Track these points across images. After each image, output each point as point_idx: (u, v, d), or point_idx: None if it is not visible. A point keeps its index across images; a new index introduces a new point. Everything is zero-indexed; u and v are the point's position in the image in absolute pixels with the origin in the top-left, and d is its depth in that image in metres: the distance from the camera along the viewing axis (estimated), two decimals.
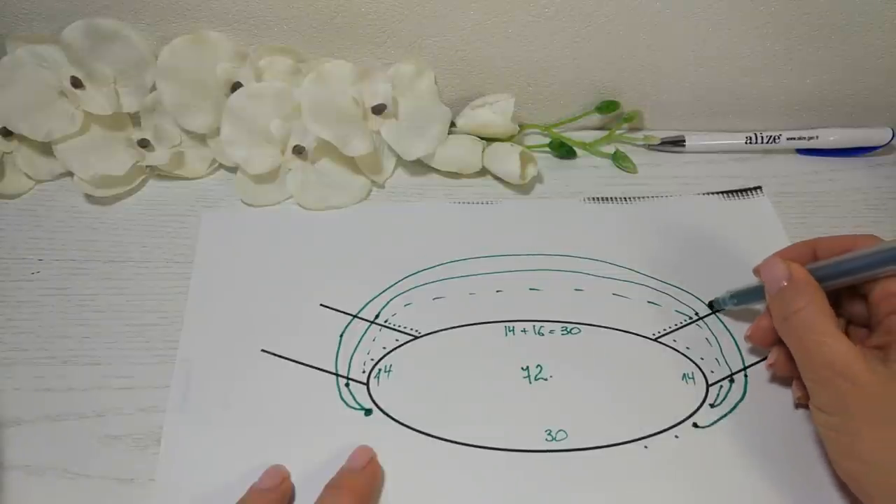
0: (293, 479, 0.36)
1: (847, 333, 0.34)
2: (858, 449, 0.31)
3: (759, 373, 0.41)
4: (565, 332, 0.43)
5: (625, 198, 0.51)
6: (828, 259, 0.37)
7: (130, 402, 0.39)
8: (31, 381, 0.40)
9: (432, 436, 0.38)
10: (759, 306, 0.41)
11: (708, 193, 0.51)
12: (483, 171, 0.52)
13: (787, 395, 0.40)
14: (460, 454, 0.38)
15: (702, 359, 0.42)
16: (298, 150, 0.49)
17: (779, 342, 0.37)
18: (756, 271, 0.39)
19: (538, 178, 0.52)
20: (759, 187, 0.52)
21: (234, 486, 0.35)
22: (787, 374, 0.39)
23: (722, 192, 0.51)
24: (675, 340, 0.43)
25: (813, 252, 0.38)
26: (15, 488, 0.36)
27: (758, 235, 0.49)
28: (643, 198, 0.51)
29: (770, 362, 0.39)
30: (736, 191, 0.51)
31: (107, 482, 0.36)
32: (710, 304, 0.44)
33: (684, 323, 0.44)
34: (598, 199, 0.51)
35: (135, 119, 0.51)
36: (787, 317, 0.34)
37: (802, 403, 0.38)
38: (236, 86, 0.49)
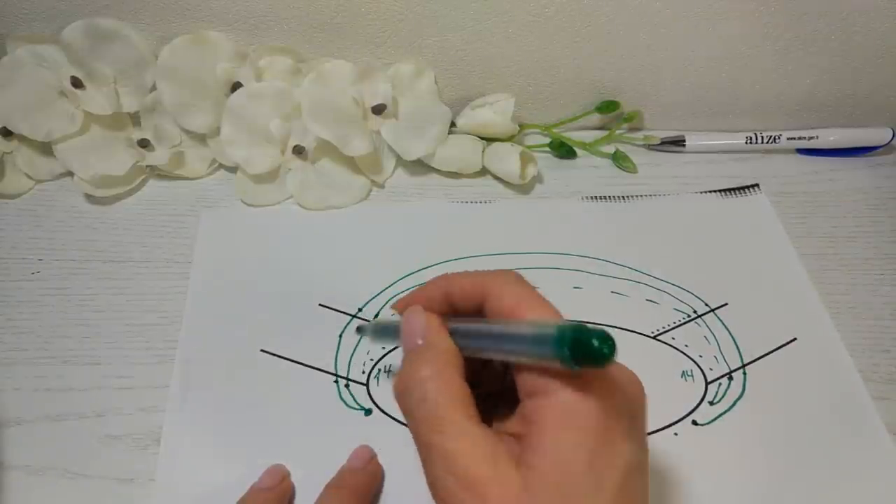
0: (293, 478, 0.36)
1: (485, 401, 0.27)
2: None
3: (758, 370, 0.41)
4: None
5: (623, 196, 0.51)
6: (473, 321, 0.28)
7: (130, 402, 0.39)
8: (31, 381, 0.40)
9: None
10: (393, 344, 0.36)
11: (706, 192, 0.51)
12: (483, 171, 0.52)
13: (785, 393, 0.40)
14: None
15: (700, 356, 0.42)
16: (298, 150, 0.49)
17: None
18: (394, 308, 0.32)
19: (538, 178, 0.52)
20: (757, 185, 0.52)
21: (234, 485, 0.35)
22: None
23: (720, 191, 0.51)
24: (673, 338, 0.43)
25: (446, 297, 0.29)
26: (15, 488, 0.36)
27: (756, 233, 0.49)
28: (641, 196, 0.51)
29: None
30: (734, 189, 0.52)
31: (107, 482, 0.36)
32: (357, 329, 0.37)
33: (683, 321, 0.44)
34: (596, 197, 0.51)
35: (135, 119, 0.51)
36: (408, 388, 0.27)
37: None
38: (236, 86, 0.49)
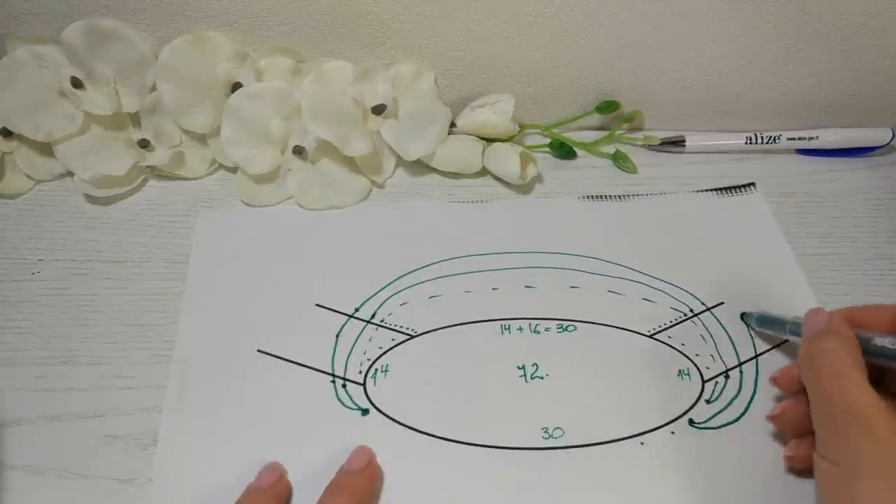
0: (290, 478, 0.36)
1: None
2: (852, 501, 0.29)
3: (754, 369, 0.41)
4: (561, 329, 0.43)
5: (619, 195, 0.51)
6: (878, 332, 0.33)
7: (130, 402, 0.39)
8: (31, 381, 0.40)
9: (429, 435, 0.38)
10: (776, 335, 0.42)
11: (702, 191, 0.51)
12: (483, 172, 0.52)
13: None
14: (457, 453, 0.38)
15: (697, 355, 0.42)
16: (298, 150, 0.49)
17: (795, 394, 0.36)
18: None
19: (538, 179, 0.52)
20: (753, 184, 0.52)
21: (232, 486, 0.35)
22: (789, 429, 0.37)
23: (716, 190, 0.51)
24: (670, 337, 0.43)
25: (854, 318, 0.36)
26: (15, 488, 0.36)
27: (752, 232, 0.49)
28: (638, 195, 0.51)
29: (775, 413, 0.37)
30: (730, 188, 0.52)
31: (107, 482, 0.36)
32: (741, 316, 0.44)
33: (679, 320, 0.44)
34: (592, 196, 0.51)
35: (135, 119, 0.51)
36: (814, 356, 0.33)
37: (794, 464, 0.36)
38: (236, 86, 0.49)
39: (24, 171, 0.50)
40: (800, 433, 0.35)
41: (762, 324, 0.42)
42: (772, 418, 0.37)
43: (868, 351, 0.32)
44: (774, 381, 0.37)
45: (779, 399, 0.40)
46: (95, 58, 0.47)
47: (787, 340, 0.42)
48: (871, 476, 0.28)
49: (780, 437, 0.38)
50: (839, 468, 0.30)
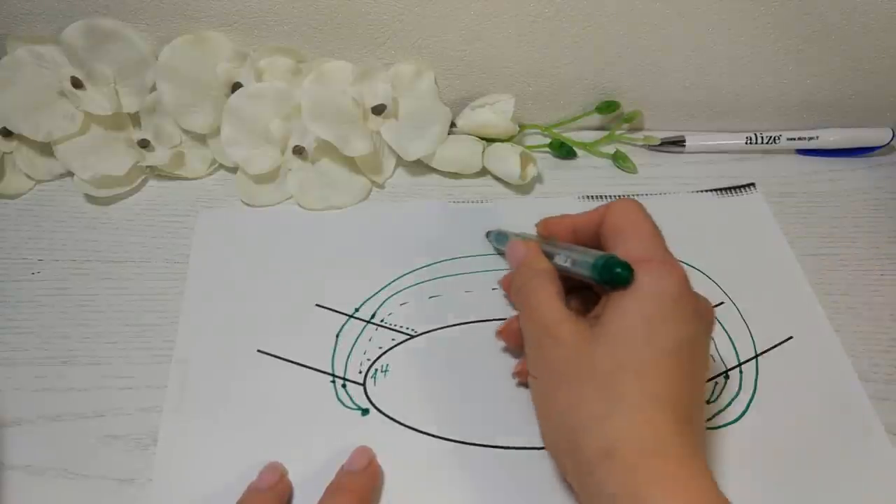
0: (290, 479, 0.36)
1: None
2: (553, 408, 0.32)
3: (754, 369, 0.41)
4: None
5: (619, 196, 0.51)
6: (562, 245, 0.37)
7: (130, 402, 0.39)
8: (31, 381, 0.40)
9: (429, 434, 0.38)
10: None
11: (702, 191, 0.51)
12: (483, 172, 0.52)
13: (782, 391, 0.40)
14: (457, 452, 0.38)
15: None
16: (298, 150, 0.49)
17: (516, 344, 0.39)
18: (537, 226, 0.41)
19: (538, 179, 0.52)
20: (753, 184, 0.52)
21: (232, 486, 0.35)
22: (515, 343, 0.40)
23: (716, 190, 0.51)
24: None
25: (572, 229, 0.39)
26: (15, 488, 0.36)
27: (752, 232, 0.49)
28: (638, 195, 0.51)
29: (501, 328, 0.40)
30: (730, 188, 0.52)
31: (107, 482, 0.36)
32: (486, 234, 0.47)
33: None
34: (592, 196, 0.51)
35: (135, 119, 0.51)
36: (518, 287, 0.36)
37: (520, 379, 0.40)
38: (236, 86, 0.49)
39: (24, 171, 0.50)
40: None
41: (499, 240, 0.46)
42: (499, 332, 0.40)
43: (555, 267, 0.36)
44: (499, 334, 0.40)
45: (779, 399, 0.40)
46: (95, 58, 0.47)
47: (790, 338, 0.43)
48: (558, 379, 0.32)
49: (781, 436, 0.38)
50: (540, 381, 0.33)
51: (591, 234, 0.37)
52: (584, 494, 0.31)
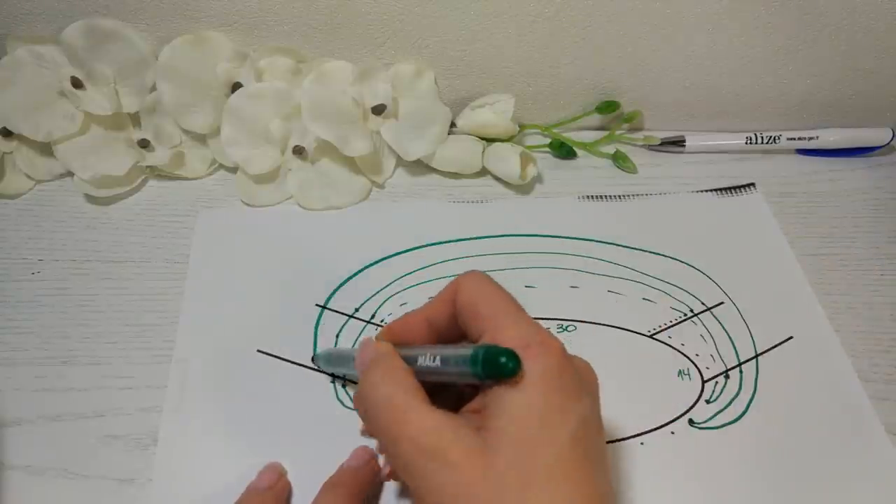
0: (290, 478, 0.36)
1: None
2: None
3: (755, 369, 0.41)
4: (561, 329, 0.43)
5: (619, 196, 0.51)
6: (420, 348, 0.31)
7: (130, 402, 0.39)
8: (31, 381, 0.40)
9: None
10: (347, 371, 0.39)
11: (702, 191, 0.51)
12: (483, 172, 0.52)
13: (782, 391, 0.40)
14: None
15: (697, 355, 0.42)
16: (298, 150, 0.49)
17: None
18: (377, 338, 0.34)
19: (538, 179, 0.52)
20: (753, 184, 0.52)
21: (232, 485, 0.35)
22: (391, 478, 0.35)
23: (716, 190, 0.52)
24: (670, 337, 0.43)
25: (427, 321, 0.32)
26: (15, 488, 0.36)
27: (752, 232, 0.49)
28: (638, 195, 0.51)
29: (361, 429, 0.35)
30: (730, 188, 0.52)
31: (107, 482, 0.36)
32: (312, 359, 0.41)
33: (679, 320, 0.44)
34: (592, 196, 0.51)
35: (135, 119, 0.51)
36: (365, 396, 0.29)
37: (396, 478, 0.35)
38: (236, 86, 0.49)
39: (24, 171, 0.50)
40: None
41: (328, 362, 0.39)
42: (362, 433, 0.35)
43: (417, 372, 0.29)
44: (363, 433, 0.35)
45: (779, 399, 0.40)
46: (95, 58, 0.47)
47: (790, 338, 0.43)
48: None
49: (781, 436, 0.38)
50: None
51: (448, 325, 0.32)
52: None
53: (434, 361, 0.29)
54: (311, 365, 0.41)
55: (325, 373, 0.40)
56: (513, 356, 0.26)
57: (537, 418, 0.26)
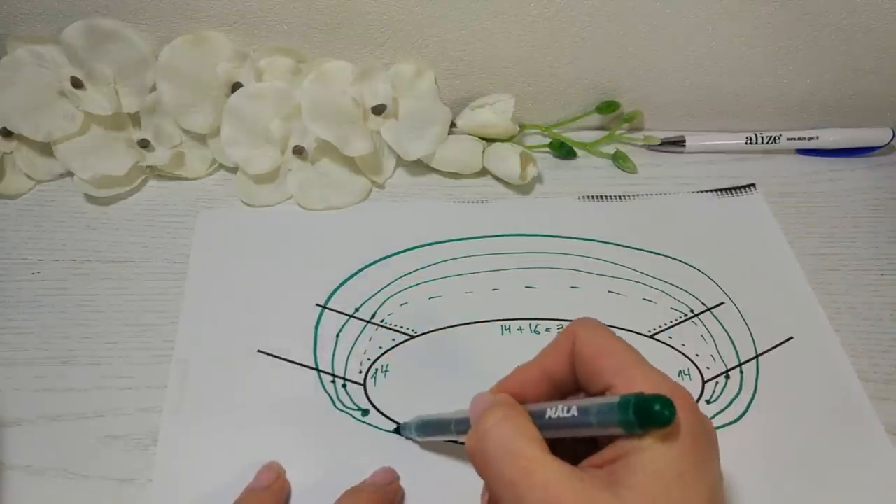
0: (289, 478, 0.36)
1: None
2: None
3: (755, 369, 0.41)
4: (561, 330, 0.43)
5: (619, 196, 0.51)
6: (547, 403, 0.28)
7: (130, 402, 0.39)
8: (31, 381, 0.40)
9: None
10: (444, 439, 0.36)
11: (702, 191, 0.51)
12: (483, 172, 0.52)
13: (782, 391, 0.40)
14: (457, 452, 0.38)
15: (697, 355, 0.42)
16: (298, 150, 0.49)
17: None
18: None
19: (538, 179, 0.52)
20: (753, 184, 0.52)
21: (232, 485, 0.35)
22: None
23: (716, 190, 0.52)
24: (670, 337, 0.43)
25: (544, 373, 0.30)
26: (15, 488, 0.36)
27: (752, 232, 0.49)
28: (638, 196, 0.51)
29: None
30: (730, 188, 0.52)
31: (107, 482, 0.36)
32: (397, 429, 0.38)
33: (679, 320, 0.44)
34: (592, 196, 0.51)
35: (135, 119, 0.51)
36: (481, 443, 0.27)
37: None
38: (236, 86, 0.49)
39: (24, 171, 0.50)
40: None
41: (423, 431, 0.36)
42: None
43: (544, 426, 0.27)
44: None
45: (779, 399, 0.40)
46: (95, 58, 0.47)
47: (790, 339, 0.43)
48: None
49: (781, 436, 0.38)
50: None
51: (565, 375, 0.30)
52: None
53: (568, 413, 0.26)
54: (312, 365, 0.41)
55: (325, 371, 0.40)
56: (668, 404, 0.24)
57: (676, 477, 0.24)
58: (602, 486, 0.24)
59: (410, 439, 0.38)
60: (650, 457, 0.24)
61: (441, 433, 0.35)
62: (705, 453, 0.26)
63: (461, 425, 0.31)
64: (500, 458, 0.26)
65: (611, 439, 0.26)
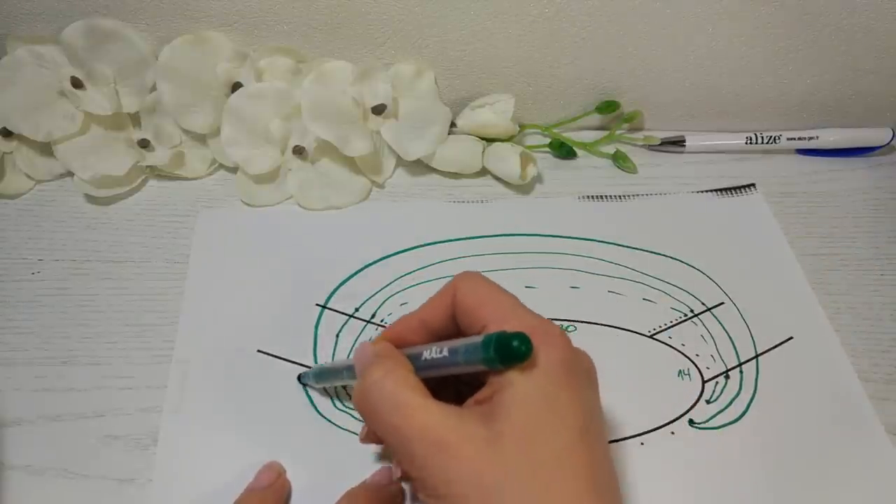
0: (289, 477, 0.36)
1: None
2: None
3: (755, 369, 0.41)
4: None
5: (619, 196, 0.51)
6: (422, 346, 0.30)
7: (130, 402, 0.39)
8: (31, 381, 0.40)
9: None
10: (337, 384, 0.39)
11: (702, 191, 0.51)
12: (483, 172, 0.52)
13: (782, 391, 0.40)
14: None
15: (697, 355, 0.42)
16: (298, 150, 0.49)
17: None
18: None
19: (538, 179, 0.52)
20: (753, 184, 0.52)
21: (232, 485, 0.35)
22: (396, 476, 0.34)
23: (716, 190, 0.52)
24: (670, 337, 0.43)
25: (422, 323, 0.32)
26: (15, 488, 0.36)
27: (752, 232, 0.49)
28: (638, 196, 0.51)
29: (361, 436, 0.35)
30: (730, 188, 0.52)
31: (107, 482, 0.36)
32: (298, 378, 0.40)
33: (679, 320, 0.44)
34: (592, 196, 0.51)
35: (135, 119, 0.51)
36: (368, 391, 0.29)
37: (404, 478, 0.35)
38: (236, 86, 0.49)
39: (24, 171, 0.50)
40: None
41: (320, 378, 0.39)
42: (362, 440, 0.35)
43: (420, 367, 0.29)
44: (363, 440, 0.35)
45: (779, 399, 0.40)
46: (95, 58, 0.47)
47: (790, 339, 0.43)
48: (469, 496, 0.26)
49: (781, 436, 0.38)
50: (443, 501, 0.26)
51: (443, 325, 0.32)
52: None
53: (441, 353, 0.29)
54: (311, 365, 0.41)
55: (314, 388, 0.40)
56: (525, 340, 0.26)
57: (546, 405, 0.26)
58: (479, 422, 0.27)
59: (309, 386, 0.40)
60: (519, 389, 0.26)
61: (335, 379, 0.37)
62: (577, 384, 0.27)
63: (351, 371, 0.33)
64: (384, 410, 0.28)
65: (488, 377, 0.28)
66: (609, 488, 0.27)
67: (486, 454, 0.26)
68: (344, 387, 0.40)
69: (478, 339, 0.27)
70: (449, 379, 0.30)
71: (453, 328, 0.31)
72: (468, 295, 0.30)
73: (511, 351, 0.26)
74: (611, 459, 0.28)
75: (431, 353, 0.29)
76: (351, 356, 0.33)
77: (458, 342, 0.28)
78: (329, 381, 0.38)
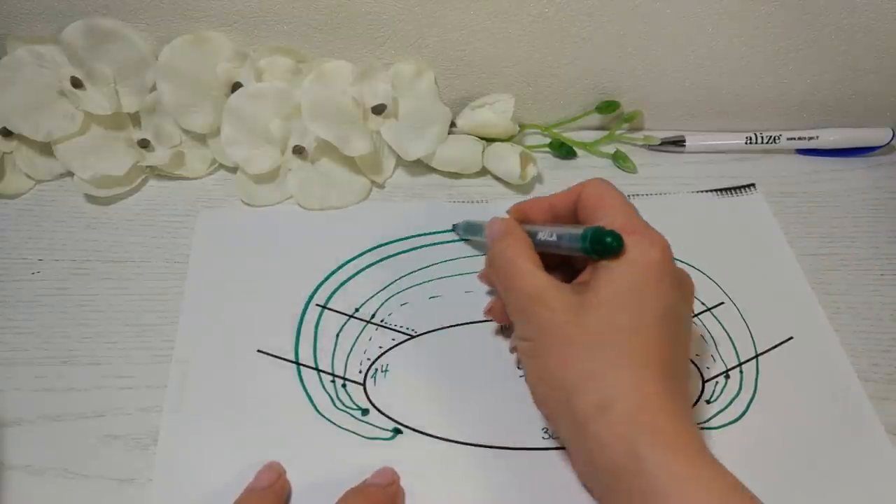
0: (289, 478, 0.36)
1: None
2: (546, 369, 0.33)
3: (755, 369, 0.41)
4: None
5: None
6: (540, 227, 0.37)
7: (130, 402, 0.39)
8: (31, 381, 0.40)
9: (429, 435, 0.38)
10: (478, 238, 0.46)
11: (702, 191, 0.51)
12: (483, 172, 0.52)
13: (782, 391, 0.40)
14: (457, 452, 0.38)
15: (697, 355, 0.42)
16: (298, 150, 0.49)
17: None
18: (509, 211, 0.41)
19: (538, 179, 0.52)
20: (753, 184, 0.52)
21: (232, 485, 0.35)
22: (502, 321, 0.41)
23: (716, 190, 0.52)
24: None
25: (550, 207, 0.39)
26: (15, 488, 0.36)
27: (752, 232, 0.49)
28: (638, 196, 0.51)
29: (486, 308, 0.41)
30: (730, 188, 0.52)
31: (107, 482, 0.36)
32: (453, 227, 0.48)
33: None
34: None
35: (135, 119, 0.51)
36: (495, 257, 0.37)
37: (490, 318, 0.42)
38: (236, 86, 0.49)
39: (24, 171, 0.50)
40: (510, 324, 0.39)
41: (467, 231, 0.46)
42: (486, 312, 0.41)
43: (537, 244, 0.36)
44: (487, 312, 0.41)
45: (779, 399, 0.40)
46: (95, 58, 0.47)
47: (790, 339, 0.43)
48: (551, 342, 0.33)
49: (781, 436, 0.38)
50: (533, 343, 0.34)
51: (567, 213, 0.38)
52: (576, 448, 0.33)
53: (551, 237, 0.35)
54: (311, 365, 0.41)
55: (325, 371, 0.41)
56: (617, 237, 0.32)
57: (633, 290, 0.32)
58: (573, 292, 0.33)
59: (457, 234, 0.47)
60: (611, 275, 0.32)
61: (476, 235, 0.45)
62: (664, 284, 0.32)
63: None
64: (506, 270, 0.36)
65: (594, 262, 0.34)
66: (675, 375, 0.32)
67: (571, 314, 0.32)
68: (344, 387, 0.40)
69: (578, 230, 0.33)
70: (566, 260, 0.38)
71: (575, 218, 0.37)
72: (592, 194, 0.36)
73: (604, 244, 0.32)
74: (685, 356, 0.34)
75: (545, 234, 0.36)
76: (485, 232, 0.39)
77: (565, 230, 0.35)
78: (472, 234, 0.46)
